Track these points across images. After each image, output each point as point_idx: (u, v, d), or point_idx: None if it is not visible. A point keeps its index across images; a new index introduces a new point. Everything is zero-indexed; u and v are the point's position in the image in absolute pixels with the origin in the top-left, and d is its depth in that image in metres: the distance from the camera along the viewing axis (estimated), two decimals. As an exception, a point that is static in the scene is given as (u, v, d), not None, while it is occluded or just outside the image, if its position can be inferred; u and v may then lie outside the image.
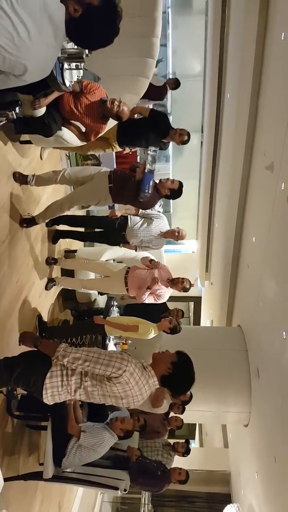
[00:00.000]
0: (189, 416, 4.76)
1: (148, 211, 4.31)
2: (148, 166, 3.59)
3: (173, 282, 4.07)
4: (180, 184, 3.90)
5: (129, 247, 4.45)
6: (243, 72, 4.62)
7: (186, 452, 4.19)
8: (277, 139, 3.78)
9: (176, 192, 3.91)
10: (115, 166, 5.34)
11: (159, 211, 4.68)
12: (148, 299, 4.14)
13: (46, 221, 4.07)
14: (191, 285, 4.10)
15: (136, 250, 4.48)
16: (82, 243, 5.75)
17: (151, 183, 3.65)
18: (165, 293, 4.19)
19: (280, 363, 3.89)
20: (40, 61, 1.58)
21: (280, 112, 3.69)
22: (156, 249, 4.64)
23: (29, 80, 1.58)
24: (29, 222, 3.85)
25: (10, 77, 1.56)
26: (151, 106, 5.28)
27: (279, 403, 3.95)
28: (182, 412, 4.44)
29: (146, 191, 3.64)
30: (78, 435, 3.17)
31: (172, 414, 4.57)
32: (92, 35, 1.61)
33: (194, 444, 10.65)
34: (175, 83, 5.50)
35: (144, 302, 4.12)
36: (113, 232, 4.39)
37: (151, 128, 4.05)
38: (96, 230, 4.82)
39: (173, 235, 4.32)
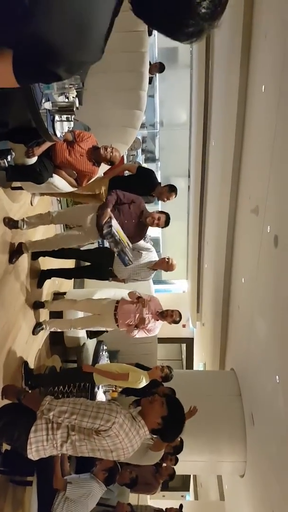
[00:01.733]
0: (182, 467, 4.56)
1: (138, 243, 4.37)
2: (115, 250, 3.63)
3: (163, 315, 4.05)
4: (167, 216, 3.99)
5: (118, 280, 4.45)
6: (227, 120, 4.86)
7: None
8: (261, 183, 3.91)
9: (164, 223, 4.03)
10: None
11: (147, 248, 4.70)
12: (139, 334, 4.10)
13: (32, 251, 4.05)
14: (180, 317, 4.08)
15: (125, 283, 4.47)
16: (71, 285, 5.71)
17: (127, 256, 3.70)
18: (156, 327, 4.16)
19: (273, 409, 3.80)
20: None
21: (262, 157, 3.85)
22: (144, 281, 4.66)
23: None
24: (17, 252, 3.82)
25: None
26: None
27: (274, 450, 3.81)
28: (175, 464, 4.26)
29: (128, 263, 3.73)
30: (64, 488, 3.01)
31: (164, 464, 4.37)
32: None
33: (188, 497, 10.11)
34: (160, 67, 5.72)
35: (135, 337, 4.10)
36: (101, 266, 4.40)
37: (139, 184, 4.24)
38: (84, 265, 4.82)
39: (163, 265, 4.30)
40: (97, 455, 2.20)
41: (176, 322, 4.06)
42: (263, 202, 3.88)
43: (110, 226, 3.54)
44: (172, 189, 4.27)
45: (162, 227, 4.13)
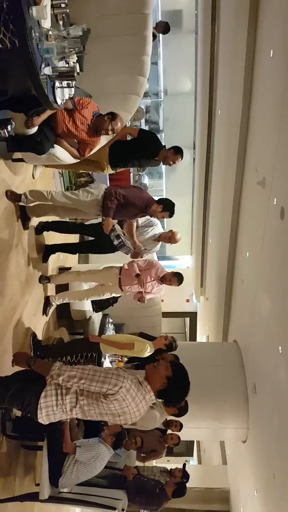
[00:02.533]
0: (186, 433, 4.69)
1: (143, 220, 4.43)
2: (115, 242, 3.81)
3: (163, 280, 4.23)
4: (171, 204, 3.98)
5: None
6: (234, 89, 4.71)
7: (185, 477, 4.07)
8: (268, 154, 3.82)
9: (168, 205, 4.01)
10: (108, 183, 5.35)
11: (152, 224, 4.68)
12: (147, 296, 4.29)
13: (36, 217, 4.07)
14: (180, 280, 4.21)
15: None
16: (76, 260, 5.71)
17: (125, 246, 3.87)
18: (161, 288, 4.33)
19: (276, 378, 3.85)
20: None
21: (270, 127, 3.75)
22: (150, 253, 4.70)
23: None
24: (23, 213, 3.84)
25: None
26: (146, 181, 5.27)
27: (276, 418, 3.90)
28: (179, 430, 4.37)
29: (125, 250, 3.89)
30: (74, 452, 3.13)
31: (169, 431, 4.49)
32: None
33: (192, 462, 10.47)
34: (164, 27, 5.48)
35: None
36: (106, 239, 4.38)
37: (141, 148, 4.08)
38: (89, 239, 4.81)
39: (167, 238, 4.41)
40: (105, 419, 2.26)
41: (177, 285, 4.24)
42: (270, 174, 3.81)
43: (118, 235, 3.78)
44: (178, 151, 4.00)
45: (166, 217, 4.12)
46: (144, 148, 4.07)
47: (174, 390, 2.29)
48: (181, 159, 4.05)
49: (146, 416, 3.64)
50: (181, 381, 2.28)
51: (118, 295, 4.58)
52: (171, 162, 4.04)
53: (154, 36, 5.36)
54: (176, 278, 4.19)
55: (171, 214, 4.03)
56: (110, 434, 3.28)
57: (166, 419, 4.29)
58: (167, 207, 3.97)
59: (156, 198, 4.05)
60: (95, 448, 3.18)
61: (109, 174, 5.40)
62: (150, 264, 4.31)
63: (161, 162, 4.21)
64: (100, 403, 2.18)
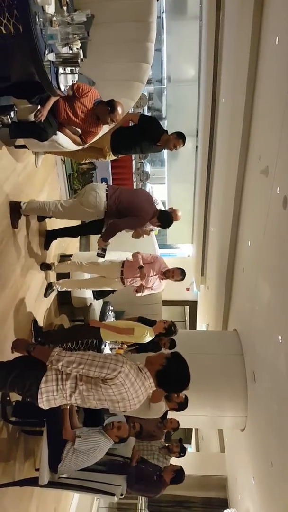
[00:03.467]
0: (185, 420, 4.75)
1: None
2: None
3: (166, 275, 4.26)
4: (169, 217, 4.05)
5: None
6: (238, 76, 4.65)
7: (182, 451, 4.17)
8: (271, 143, 3.80)
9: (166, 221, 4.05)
10: (110, 172, 5.33)
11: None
12: (146, 291, 4.30)
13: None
14: (183, 275, 4.23)
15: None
16: (77, 247, 5.72)
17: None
18: (161, 284, 4.36)
19: (276, 367, 3.89)
20: None
21: (274, 116, 3.72)
22: (149, 244, 4.72)
23: None
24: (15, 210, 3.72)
25: None
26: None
27: (275, 407, 3.94)
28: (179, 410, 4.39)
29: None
30: (73, 440, 3.15)
31: (168, 416, 4.55)
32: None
33: (190, 449, 10.61)
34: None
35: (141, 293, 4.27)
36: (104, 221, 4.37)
37: (143, 133, 4.05)
38: (88, 221, 4.81)
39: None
40: (104, 405, 2.28)
41: (180, 280, 4.26)
42: (273, 163, 3.79)
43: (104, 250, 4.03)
44: (180, 136, 3.98)
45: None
46: (145, 133, 4.04)
47: (174, 375, 2.30)
48: (183, 144, 4.03)
49: (155, 407, 3.72)
50: (180, 367, 2.30)
51: (117, 288, 4.59)
52: (173, 147, 4.01)
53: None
54: (179, 271, 4.23)
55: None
56: (117, 435, 3.28)
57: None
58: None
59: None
60: (95, 439, 3.19)
61: (111, 161, 5.38)
62: (155, 258, 4.33)
63: (163, 147, 4.18)
64: (99, 388, 2.20)
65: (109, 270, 4.40)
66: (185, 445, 4.40)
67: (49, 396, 2.27)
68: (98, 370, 2.19)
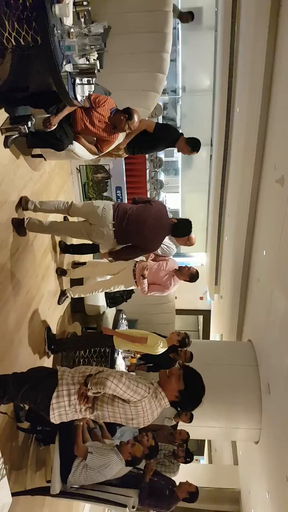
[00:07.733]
0: (197, 432, 4.68)
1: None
2: None
3: (180, 271, 4.15)
4: (189, 224, 3.89)
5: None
6: (253, 85, 4.65)
7: (188, 455, 4.03)
8: (287, 152, 3.77)
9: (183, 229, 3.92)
10: (125, 182, 5.34)
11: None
12: (155, 289, 4.19)
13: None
14: (197, 274, 4.13)
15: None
16: (91, 255, 5.73)
17: None
18: (171, 284, 4.22)
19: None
20: None
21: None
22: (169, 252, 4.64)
23: None
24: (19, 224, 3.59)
25: None
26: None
27: (291, 420, 3.86)
28: (190, 421, 4.31)
29: None
30: (85, 457, 3.10)
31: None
32: None
33: (202, 461, 10.45)
34: (191, 16, 5.78)
35: (148, 293, 4.18)
36: None
37: (160, 141, 4.05)
38: None
39: (184, 241, 4.23)
40: (117, 421, 2.26)
41: (193, 279, 4.12)
42: (288, 172, 3.76)
43: None
44: (194, 148, 3.96)
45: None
46: (162, 139, 4.02)
47: (187, 402, 2.29)
48: (197, 151, 4.00)
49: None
50: (193, 392, 2.26)
51: (130, 287, 4.55)
52: (188, 153, 4.01)
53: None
54: (195, 269, 4.17)
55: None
56: (130, 452, 3.19)
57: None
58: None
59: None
60: (107, 456, 3.12)
61: (125, 170, 5.40)
62: (166, 259, 4.31)
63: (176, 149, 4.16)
64: (115, 403, 2.20)
65: (123, 265, 4.37)
66: (198, 457, 4.30)
67: (60, 411, 2.26)
68: (131, 394, 2.19)
